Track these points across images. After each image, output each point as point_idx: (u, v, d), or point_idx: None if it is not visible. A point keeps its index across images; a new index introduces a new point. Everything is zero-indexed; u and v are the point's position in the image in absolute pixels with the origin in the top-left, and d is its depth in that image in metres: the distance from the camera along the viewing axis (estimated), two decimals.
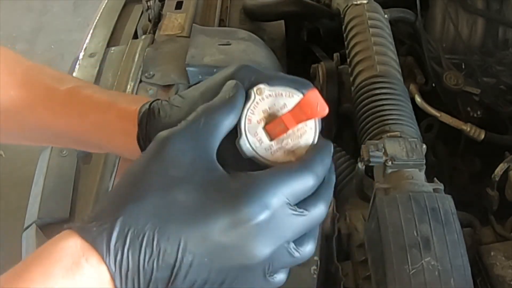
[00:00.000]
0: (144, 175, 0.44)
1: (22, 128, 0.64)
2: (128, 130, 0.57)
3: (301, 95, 0.51)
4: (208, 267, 0.44)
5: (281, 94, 0.51)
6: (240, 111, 0.49)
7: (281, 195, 0.45)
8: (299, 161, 0.49)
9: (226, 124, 0.48)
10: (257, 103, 0.50)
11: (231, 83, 0.50)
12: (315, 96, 0.50)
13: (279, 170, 0.47)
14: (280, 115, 0.50)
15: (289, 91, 0.51)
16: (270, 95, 0.51)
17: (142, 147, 0.57)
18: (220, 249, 0.44)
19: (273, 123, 0.50)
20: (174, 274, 0.42)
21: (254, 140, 0.50)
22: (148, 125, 0.56)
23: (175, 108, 0.55)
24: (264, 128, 0.50)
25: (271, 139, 0.50)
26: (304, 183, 0.47)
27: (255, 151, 0.50)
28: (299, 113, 0.49)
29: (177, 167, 0.45)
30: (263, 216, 0.44)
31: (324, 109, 0.50)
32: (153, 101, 0.58)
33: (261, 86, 0.51)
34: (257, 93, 0.50)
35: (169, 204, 0.43)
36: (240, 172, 0.47)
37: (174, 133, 0.46)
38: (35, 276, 0.40)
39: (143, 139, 0.57)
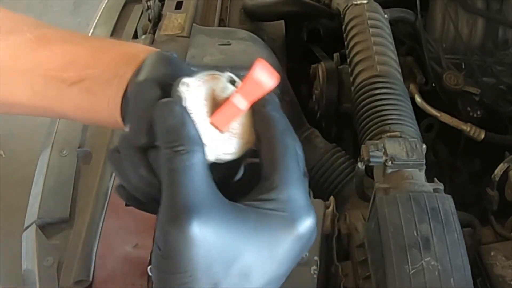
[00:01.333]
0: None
1: (24, 73, 0.57)
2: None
3: (228, 74, 0.44)
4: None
5: (210, 79, 0.43)
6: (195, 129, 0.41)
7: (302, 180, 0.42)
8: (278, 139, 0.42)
9: (199, 161, 0.40)
10: (191, 99, 0.42)
11: (161, 110, 0.41)
12: (265, 64, 0.41)
13: (281, 167, 0.42)
14: (221, 100, 0.42)
15: (213, 73, 0.43)
16: (199, 84, 0.43)
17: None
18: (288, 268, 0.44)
19: (220, 112, 0.42)
20: None
21: (208, 139, 0.42)
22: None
23: None
24: (210, 122, 0.42)
25: (222, 131, 0.43)
26: (298, 150, 0.43)
27: (216, 150, 0.42)
28: (253, 88, 0.41)
29: (214, 250, 0.39)
30: (311, 219, 0.42)
31: (276, 76, 0.42)
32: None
33: (185, 80, 0.42)
34: (185, 89, 0.42)
35: (243, 278, 0.40)
36: (258, 198, 0.42)
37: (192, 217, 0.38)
38: None
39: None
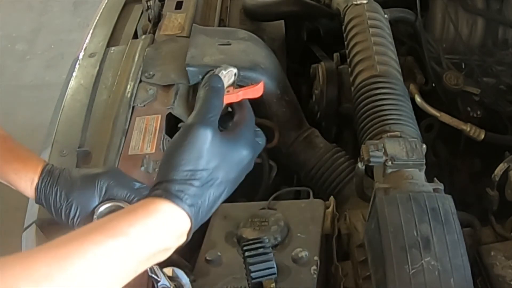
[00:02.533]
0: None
1: None
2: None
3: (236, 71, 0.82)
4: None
5: (228, 73, 0.80)
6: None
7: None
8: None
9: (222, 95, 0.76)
10: (223, 79, 0.78)
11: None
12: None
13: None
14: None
15: (230, 70, 0.80)
16: (226, 75, 0.79)
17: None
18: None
19: (229, 93, 0.78)
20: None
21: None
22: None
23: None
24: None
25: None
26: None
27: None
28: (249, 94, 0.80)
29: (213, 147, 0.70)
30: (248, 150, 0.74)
31: (260, 94, 0.81)
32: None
33: (222, 71, 0.79)
34: (222, 76, 0.78)
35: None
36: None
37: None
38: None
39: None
